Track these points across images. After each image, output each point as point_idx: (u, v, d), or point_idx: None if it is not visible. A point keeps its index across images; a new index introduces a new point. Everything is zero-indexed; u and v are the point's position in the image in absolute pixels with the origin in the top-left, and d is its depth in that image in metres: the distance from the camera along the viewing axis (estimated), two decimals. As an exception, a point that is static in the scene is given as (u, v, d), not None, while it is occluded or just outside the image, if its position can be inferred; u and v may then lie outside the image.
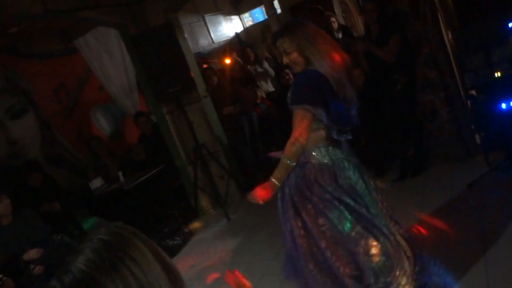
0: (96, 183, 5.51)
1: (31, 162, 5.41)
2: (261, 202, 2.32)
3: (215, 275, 3.91)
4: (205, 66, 6.58)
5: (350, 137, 2.41)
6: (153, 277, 0.92)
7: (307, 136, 2.24)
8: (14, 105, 6.03)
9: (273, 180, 2.29)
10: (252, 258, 4.04)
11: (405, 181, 4.38)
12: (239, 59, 6.91)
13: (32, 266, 3.79)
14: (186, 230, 5.13)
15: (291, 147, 2.25)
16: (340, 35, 5.42)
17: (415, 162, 4.45)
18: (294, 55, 2.28)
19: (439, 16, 4.05)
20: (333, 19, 5.50)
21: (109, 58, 6.13)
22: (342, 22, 6.75)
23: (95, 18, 5.07)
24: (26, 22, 5.23)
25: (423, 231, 3.32)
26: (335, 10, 7.29)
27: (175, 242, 4.86)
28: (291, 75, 5.53)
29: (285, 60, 2.34)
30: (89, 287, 0.87)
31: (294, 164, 2.27)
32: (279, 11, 8.35)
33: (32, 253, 3.83)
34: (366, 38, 4.37)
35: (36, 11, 4.39)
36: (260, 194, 2.31)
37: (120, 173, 5.30)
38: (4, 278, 2.35)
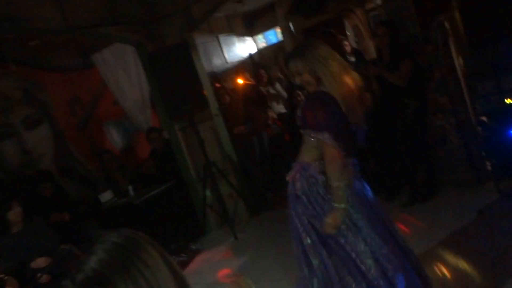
0: (106, 196, 5.55)
1: (43, 172, 5.48)
2: (333, 230, 2.28)
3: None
4: (217, 85, 6.68)
5: (355, 162, 2.43)
6: (163, 281, 0.94)
7: (338, 154, 2.24)
8: (30, 115, 6.14)
9: (334, 204, 2.26)
10: (259, 278, 4.01)
11: (414, 206, 4.36)
12: (251, 80, 6.99)
13: (39, 275, 3.82)
14: (193, 247, 5.13)
15: (330, 171, 2.25)
16: (353, 59, 5.48)
17: (424, 187, 4.43)
18: (306, 75, 2.32)
19: (450, 41, 4.10)
20: (346, 42, 5.58)
21: (124, 74, 6.25)
22: (355, 46, 6.83)
23: (113, 34, 5.21)
24: (47, 35, 5.38)
25: (431, 258, 3.29)
26: (348, 34, 7.40)
27: (181, 258, 4.85)
28: (302, 96, 5.59)
29: (298, 80, 2.38)
30: (101, 285, 0.89)
31: (342, 181, 2.24)
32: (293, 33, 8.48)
33: (40, 262, 3.87)
34: (378, 62, 4.42)
35: (57, 26, 4.53)
36: (328, 223, 2.28)
37: (130, 187, 5.33)
38: (6, 277, 2.38)
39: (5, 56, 5.04)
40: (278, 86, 6.86)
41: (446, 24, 4.02)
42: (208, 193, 5.41)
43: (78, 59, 6.93)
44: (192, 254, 5.01)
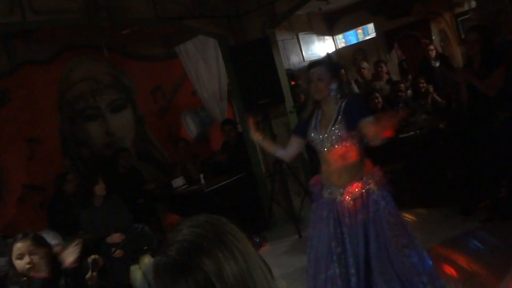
0: (178, 182, 5.77)
1: (122, 148, 5.87)
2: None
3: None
4: (293, 83, 6.69)
5: None
6: (252, 255, 0.95)
7: None
8: (116, 100, 6.56)
9: None
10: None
11: (493, 224, 4.09)
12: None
13: (113, 249, 4.07)
14: (257, 240, 5.19)
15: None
16: (437, 64, 5.26)
17: (506, 204, 4.14)
18: (323, 83, 2.69)
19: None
20: (432, 47, 5.37)
21: (205, 66, 6.45)
22: (440, 51, 6.54)
23: (198, 27, 5.39)
24: (138, 25, 5.69)
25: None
26: (433, 38, 7.09)
27: (245, 249, 4.92)
28: (380, 99, 5.46)
29: (313, 87, 2.74)
30: (198, 253, 0.89)
31: None
32: (374, 35, 8.29)
33: (115, 237, 4.12)
34: (467, 68, 4.18)
35: (148, 17, 4.79)
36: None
37: (201, 176, 5.51)
38: (97, 257, 2.59)
39: (100, 43, 5.40)
40: (353, 86, 6.76)
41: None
42: (276, 189, 5.45)
43: (162, 50, 7.27)
44: (255, 246, 5.08)
